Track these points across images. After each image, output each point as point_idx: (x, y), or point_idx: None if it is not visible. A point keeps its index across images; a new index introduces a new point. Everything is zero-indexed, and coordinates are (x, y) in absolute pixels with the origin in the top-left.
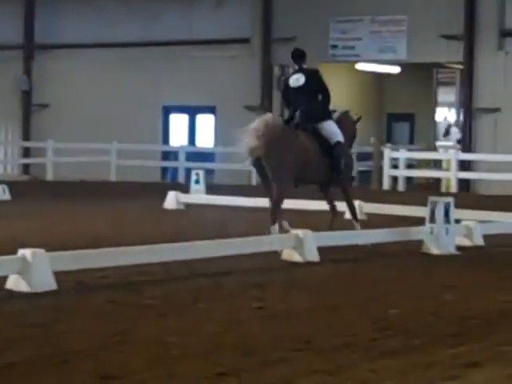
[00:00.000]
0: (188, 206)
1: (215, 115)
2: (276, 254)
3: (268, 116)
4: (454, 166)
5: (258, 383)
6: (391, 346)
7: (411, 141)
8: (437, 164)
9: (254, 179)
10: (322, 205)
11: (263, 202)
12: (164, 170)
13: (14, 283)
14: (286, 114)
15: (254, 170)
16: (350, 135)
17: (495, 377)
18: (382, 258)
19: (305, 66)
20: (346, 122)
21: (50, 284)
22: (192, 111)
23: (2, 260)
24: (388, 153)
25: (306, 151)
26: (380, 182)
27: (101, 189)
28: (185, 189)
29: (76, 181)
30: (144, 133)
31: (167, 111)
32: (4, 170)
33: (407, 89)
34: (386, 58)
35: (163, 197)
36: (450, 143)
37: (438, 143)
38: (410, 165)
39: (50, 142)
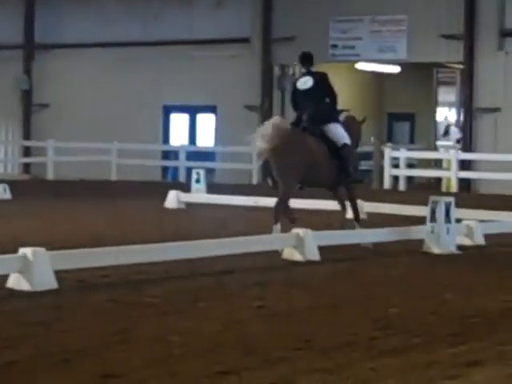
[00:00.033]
0: (189, 205)
1: (216, 114)
2: (277, 253)
3: (276, 119)
4: (454, 165)
5: (259, 382)
6: (392, 345)
7: (411, 140)
8: (437, 163)
9: (255, 178)
10: (321, 205)
11: (264, 202)
12: (164, 169)
13: (15, 282)
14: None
15: (254, 170)
16: (356, 137)
17: (496, 376)
18: (383, 257)
19: (313, 69)
20: (352, 124)
21: (51, 283)
22: (192, 111)
23: (3, 259)
24: (388, 152)
25: (313, 154)
26: (381, 182)
27: (101, 188)
28: (185, 188)
29: (76, 180)
30: (144, 132)
31: (167, 111)
32: (5, 169)
33: (407, 88)
34: (386, 58)
35: (164, 196)
36: (450, 143)
37: (438, 143)
38: (411, 164)
39: (50, 142)
